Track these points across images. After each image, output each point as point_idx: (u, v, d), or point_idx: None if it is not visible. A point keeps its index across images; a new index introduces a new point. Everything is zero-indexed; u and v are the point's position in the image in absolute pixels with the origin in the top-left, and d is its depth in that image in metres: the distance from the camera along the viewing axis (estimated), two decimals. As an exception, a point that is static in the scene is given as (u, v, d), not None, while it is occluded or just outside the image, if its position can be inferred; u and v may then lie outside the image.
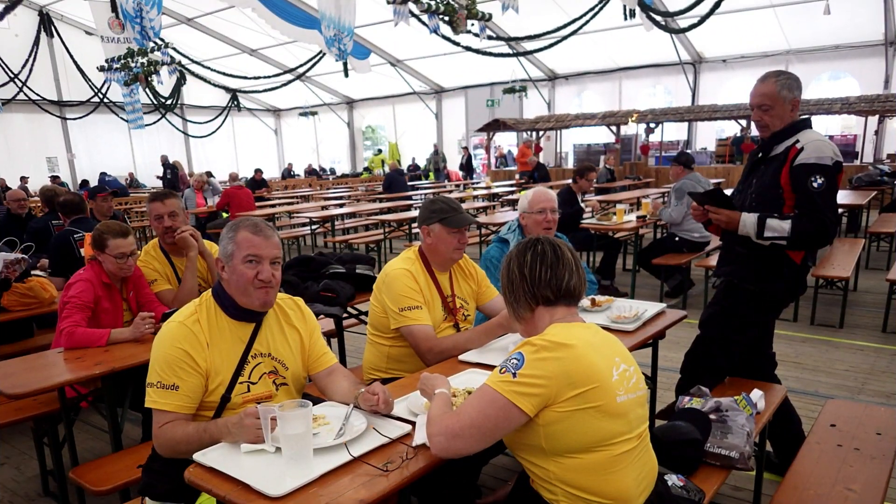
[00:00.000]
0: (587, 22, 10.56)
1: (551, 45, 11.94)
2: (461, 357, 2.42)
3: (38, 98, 17.48)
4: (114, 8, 11.40)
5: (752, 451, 2.11)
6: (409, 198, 12.92)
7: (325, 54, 11.46)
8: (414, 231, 9.12)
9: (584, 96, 20.10)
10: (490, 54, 12.84)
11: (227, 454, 1.66)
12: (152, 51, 11.83)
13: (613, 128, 16.30)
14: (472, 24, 9.55)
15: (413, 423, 1.79)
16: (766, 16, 14.42)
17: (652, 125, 15.57)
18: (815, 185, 2.51)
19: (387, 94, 23.33)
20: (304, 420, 1.56)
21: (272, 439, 1.64)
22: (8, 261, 3.58)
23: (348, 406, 1.88)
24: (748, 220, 2.61)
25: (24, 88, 16.67)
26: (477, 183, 16.95)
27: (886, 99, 12.86)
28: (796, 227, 2.53)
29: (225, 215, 10.45)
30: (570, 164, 18.64)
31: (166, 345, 1.85)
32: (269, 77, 16.33)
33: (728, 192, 3.00)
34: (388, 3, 8.82)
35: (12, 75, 16.28)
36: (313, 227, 10.48)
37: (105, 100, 17.28)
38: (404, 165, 21.99)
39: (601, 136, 18.85)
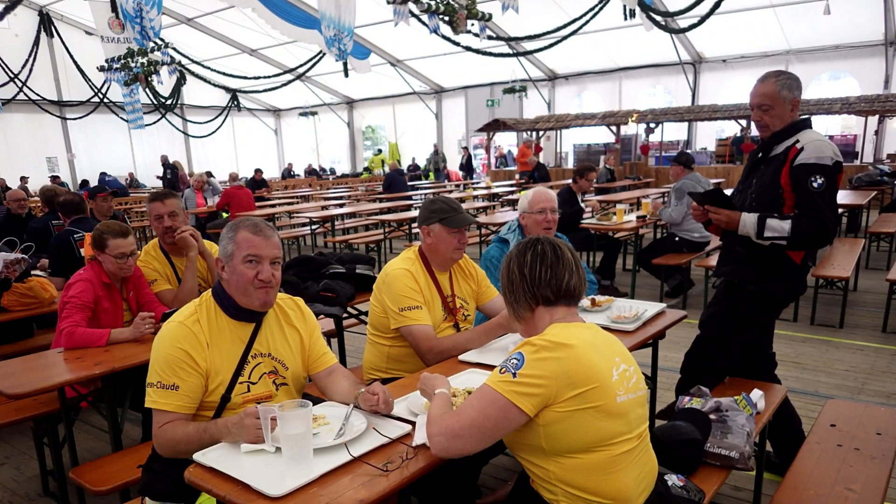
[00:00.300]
0: (587, 22, 10.57)
1: (551, 45, 11.94)
2: (461, 357, 2.42)
3: (38, 98, 17.49)
4: (114, 8, 11.40)
5: (752, 451, 2.11)
6: (409, 198, 12.92)
7: (325, 54, 11.46)
8: (414, 231, 9.12)
9: (584, 96, 20.10)
10: (490, 54, 12.84)
11: (227, 454, 1.66)
12: (152, 51, 11.83)
13: (613, 128, 16.30)
14: (472, 24, 9.55)
15: (413, 423, 1.79)
16: (766, 16, 14.42)
17: (652, 125, 15.57)
18: (815, 185, 2.51)
19: (387, 94, 23.33)
20: (304, 420, 1.56)
21: (272, 439, 1.64)
22: (8, 261, 3.58)
23: (348, 406, 1.88)
24: (748, 220, 2.61)
25: (24, 88, 16.67)
26: (477, 183, 16.95)
27: (886, 99, 12.86)
28: (796, 227, 2.53)
29: (225, 215, 10.45)
30: (570, 164, 18.64)
31: (166, 345, 1.85)
32: (269, 77, 16.34)
33: (728, 192, 3.01)
34: (388, 3, 8.82)
35: (12, 75, 16.28)
36: (313, 227, 10.49)
37: (105, 100, 17.28)
38: (404, 165, 22.00)
39: (601, 136, 18.85)
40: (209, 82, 16.39)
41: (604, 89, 19.44)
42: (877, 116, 13.63)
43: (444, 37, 10.20)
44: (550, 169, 15.00)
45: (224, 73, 16.00)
